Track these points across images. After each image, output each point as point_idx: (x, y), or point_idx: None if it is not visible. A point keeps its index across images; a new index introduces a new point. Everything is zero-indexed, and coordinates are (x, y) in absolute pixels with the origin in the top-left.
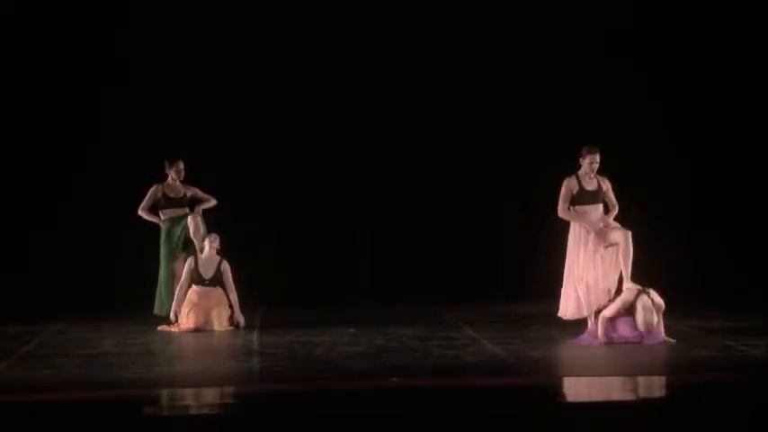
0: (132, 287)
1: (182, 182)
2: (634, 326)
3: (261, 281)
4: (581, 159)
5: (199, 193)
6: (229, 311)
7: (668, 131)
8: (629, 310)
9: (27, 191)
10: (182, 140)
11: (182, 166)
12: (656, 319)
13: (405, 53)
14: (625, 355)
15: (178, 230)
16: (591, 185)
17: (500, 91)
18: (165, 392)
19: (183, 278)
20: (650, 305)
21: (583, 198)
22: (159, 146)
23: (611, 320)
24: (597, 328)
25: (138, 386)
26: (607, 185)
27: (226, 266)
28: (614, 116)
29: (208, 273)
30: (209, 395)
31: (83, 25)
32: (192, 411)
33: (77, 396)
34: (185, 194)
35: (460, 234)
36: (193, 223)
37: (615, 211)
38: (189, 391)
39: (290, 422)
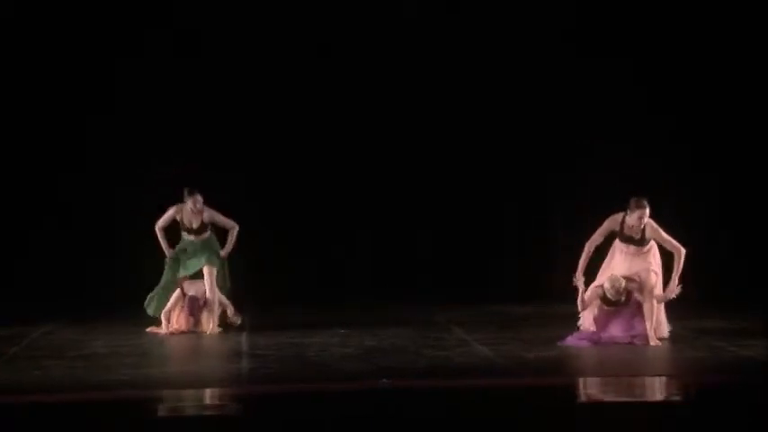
0: (122, 289)
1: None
2: (624, 326)
3: (250, 281)
4: (629, 212)
5: (218, 217)
6: (220, 312)
7: (667, 130)
8: (605, 299)
9: (20, 192)
10: (181, 139)
11: (199, 197)
12: (623, 282)
13: (405, 54)
14: (616, 356)
15: (188, 256)
16: (633, 233)
17: (498, 91)
18: (153, 394)
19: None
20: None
21: (623, 238)
22: (159, 145)
23: (601, 319)
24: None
25: (127, 388)
26: (653, 232)
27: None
28: (610, 117)
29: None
30: (198, 397)
31: (82, 29)
32: (181, 413)
33: (66, 398)
34: (203, 223)
35: (454, 236)
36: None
37: (678, 261)
38: (178, 393)
39: (279, 424)
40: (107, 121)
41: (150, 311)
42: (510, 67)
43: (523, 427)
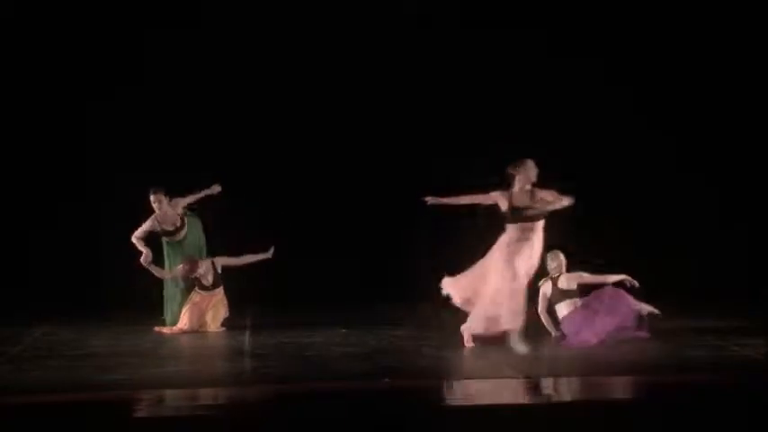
0: (124, 289)
1: (169, 204)
2: (610, 322)
3: (252, 281)
4: (516, 177)
5: (191, 199)
6: (225, 310)
7: (661, 130)
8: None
9: (19, 192)
10: (181, 139)
11: (161, 197)
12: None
13: (405, 54)
14: (618, 355)
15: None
16: (522, 200)
17: (494, 93)
18: (154, 394)
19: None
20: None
21: (515, 212)
22: (158, 144)
23: (577, 321)
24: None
25: (127, 388)
26: (543, 193)
27: (219, 261)
28: (596, 116)
29: (208, 279)
30: (199, 396)
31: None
32: (182, 413)
33: (66, 398)
34: (180, 218)
35: (446, 234)
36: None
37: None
38: (178, 393)
39: (280, 423)
40: (107, 120)
41: (169, 320)
42: (504, 74)
43: (523, 424)
